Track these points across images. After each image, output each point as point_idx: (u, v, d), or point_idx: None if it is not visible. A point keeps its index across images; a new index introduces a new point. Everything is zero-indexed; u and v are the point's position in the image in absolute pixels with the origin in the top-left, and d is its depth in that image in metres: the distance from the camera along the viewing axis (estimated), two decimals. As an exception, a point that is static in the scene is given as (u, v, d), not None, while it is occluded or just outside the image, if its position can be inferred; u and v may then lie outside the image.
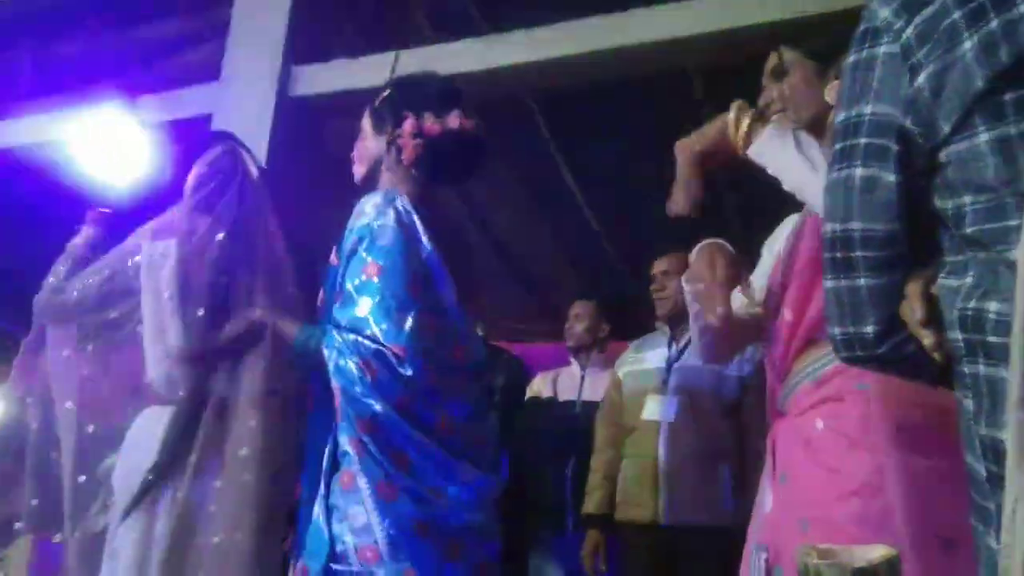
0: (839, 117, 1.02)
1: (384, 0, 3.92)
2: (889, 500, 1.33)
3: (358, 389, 1.55)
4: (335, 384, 1.58)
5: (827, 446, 1.45)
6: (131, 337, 2.04)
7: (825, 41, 1.56)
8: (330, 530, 1.56)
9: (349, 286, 1.62)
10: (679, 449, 2.72)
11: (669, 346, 2.93)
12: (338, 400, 1.59)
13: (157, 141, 3.03)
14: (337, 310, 1.65)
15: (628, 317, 3.66)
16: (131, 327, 2.04)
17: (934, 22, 0.92)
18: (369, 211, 1.68)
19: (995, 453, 0.85)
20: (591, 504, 2.93)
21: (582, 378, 3.40)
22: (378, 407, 1.54)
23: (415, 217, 1.70)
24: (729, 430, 2.78)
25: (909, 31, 0.94)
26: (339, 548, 1.55)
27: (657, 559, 2.70)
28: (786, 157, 1.42)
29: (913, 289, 0.98)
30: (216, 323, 1.95)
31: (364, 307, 1.58)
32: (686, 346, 2.89)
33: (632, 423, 2.87)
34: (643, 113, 3.91)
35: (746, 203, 4.60)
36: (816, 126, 1.52)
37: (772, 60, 1.64)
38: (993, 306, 0.86)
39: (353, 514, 1.55)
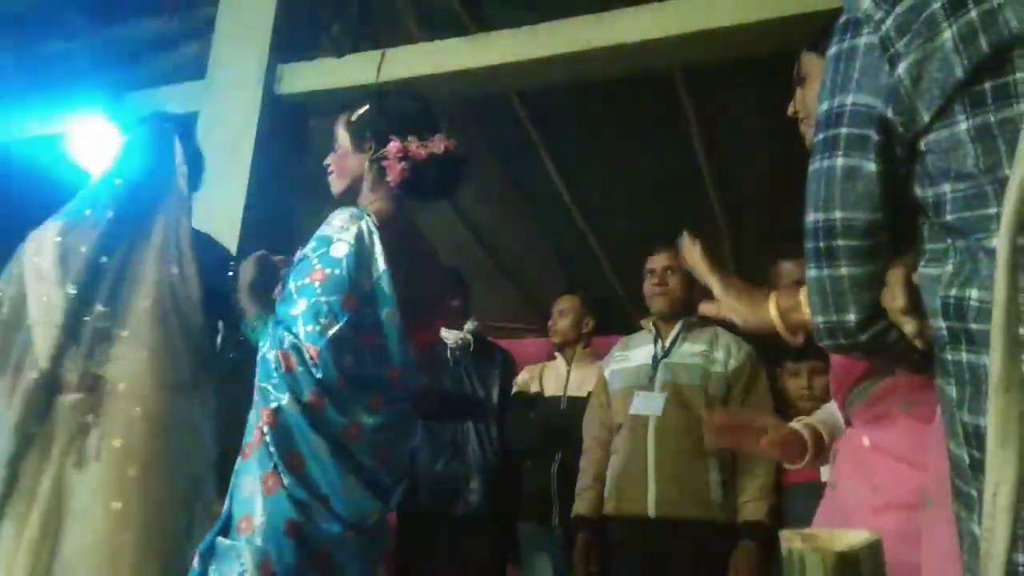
0: (822, 107, 1.02)
1: (370, -1, 3.92)
2: (930, 517, 1.32)
3: (273, 381, 1.61)
4: (257, 374, 1.65)
5: (872, 461, 1.46)
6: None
7: None
8: (230, 503, 1.60)
9: (292, 285, 1.69)
10: (668, 443, 2.72)
11: (655, 343, 2.94)
12: (256, 391, 1.65)
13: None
14: (279, 305, 1.72)
15: (612, 312, 3.68)
16: None
17: (914, 13, 0.93)
18: (335, 223, 1.74)
19: (977, 439, 0.86)
20: (582, 506, 2.92)
21: (568, 373, 3.42)
22: (284, 401, 1.59)
23: (376, 238, 1.74)
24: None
25: (889, 22, 0.95)
26: (230, 519, 1.59)
27: (647, 552, 2.71)
28: None
29: (894, 277, 0.99)
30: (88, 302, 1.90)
31: (300, 307, 1.65)
32: (673, 342, 2.90)
33: (620, 420, 2.88)
34: (627, 111, 3.94)
35: (733, 199, 4.64)
36: None
37: (797, 64, 1.55)
38: (974, 294, 0.87)
39: (242, 483, 1.60)
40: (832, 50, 1.02)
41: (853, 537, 0.72)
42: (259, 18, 3.52)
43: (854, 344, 1.03)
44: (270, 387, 1.61)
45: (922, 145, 0.93)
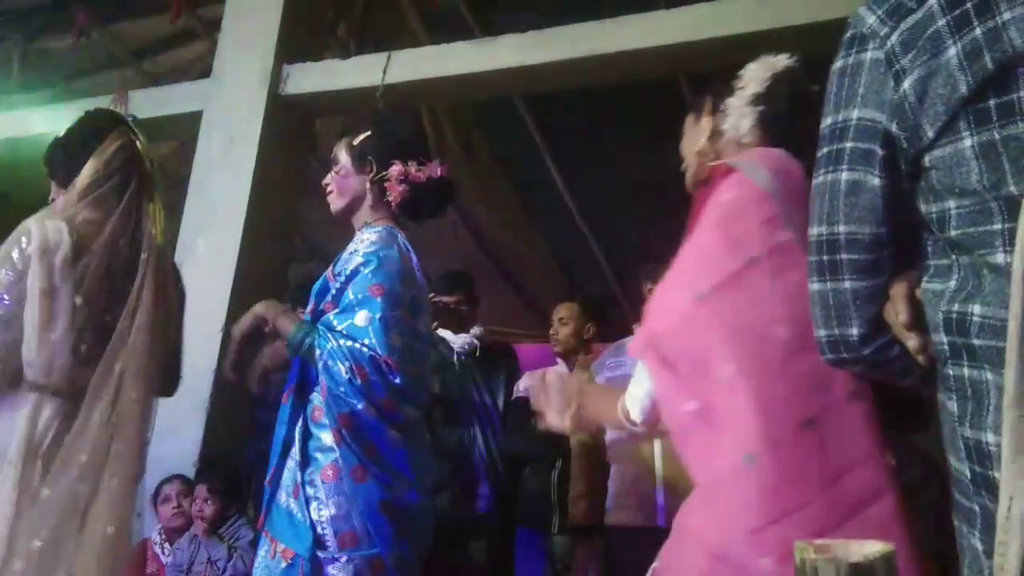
0: (826, 122, 1.02)
1: (376, 1, 3.92)
2: None
3: (342, 389, 1.76)
4: (322, 381, 1.78)
5: None
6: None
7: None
8: (310, 518, 1.76)
9: (351, 297, 1.83)
10: (675, 451, 2.70)
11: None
12: (324, 395, 1.79)
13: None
14: (336, 316, 1.85)
15: (614, 317, 3.66)
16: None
17: (919, 29, 0.93)
18: (376, 240, 1.91)
19: (979, 454, 0.86)
20: (579, 514, 2.91)
21: (570, 379, 3.41)
22: (359, 406, 1.76)
23: (412, 254, 1.95)
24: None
25: (894, 38, 0.95)
26: (319, 532, 1.75)
27: (651, 562, 2.69)
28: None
29: (898, 292, 0.99)
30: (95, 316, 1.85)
31: (362, 319, 1.80)
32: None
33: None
34: (631, 117, 3.94)
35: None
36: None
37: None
38: (977, 309, 0.87)
39: (335, 503, 1.77)
40: (838, 64, 1.02)
41: (867, 547, 0.72)
42: (265, 19, 3.52)
43: (856, 358, 1.03)
44: (341, 395, 1.76)
45: (926, 161, 0.93)
